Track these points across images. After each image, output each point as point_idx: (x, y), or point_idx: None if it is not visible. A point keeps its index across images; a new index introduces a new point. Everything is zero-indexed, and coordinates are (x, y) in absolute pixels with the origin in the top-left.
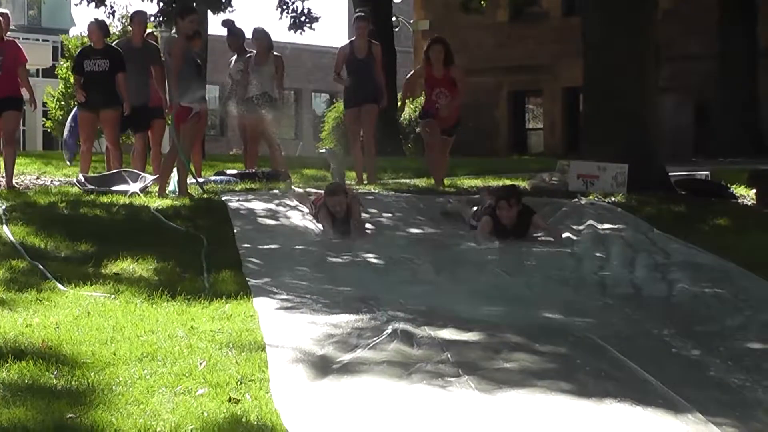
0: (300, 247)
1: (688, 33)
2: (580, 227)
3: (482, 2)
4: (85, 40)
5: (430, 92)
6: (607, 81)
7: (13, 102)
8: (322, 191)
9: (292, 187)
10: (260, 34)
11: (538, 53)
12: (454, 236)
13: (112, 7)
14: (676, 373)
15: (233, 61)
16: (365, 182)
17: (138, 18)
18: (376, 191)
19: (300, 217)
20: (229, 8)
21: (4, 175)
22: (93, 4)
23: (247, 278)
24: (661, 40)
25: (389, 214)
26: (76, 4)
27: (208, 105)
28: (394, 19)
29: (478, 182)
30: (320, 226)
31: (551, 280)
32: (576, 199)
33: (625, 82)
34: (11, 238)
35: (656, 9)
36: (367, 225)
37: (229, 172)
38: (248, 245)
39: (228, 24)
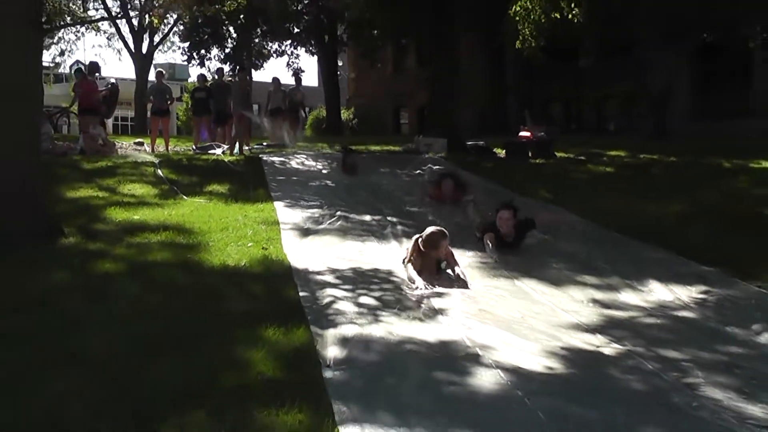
0: (296, 178)
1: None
2: (423, 168)
3: (379, 65)
4: (195, 83)
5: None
6: (436, 102)
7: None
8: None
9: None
10: (275, 79)
11: (406, 87)
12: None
13: (209, 68)
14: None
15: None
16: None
17: (221, 72)
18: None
19: (296, 164)
20: (262, 68)
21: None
22: (199, 66)
23: (270, 192)
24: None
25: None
26: (191, 66)
27: (254, 112)
28: (339, 73)
29: (378, 147)
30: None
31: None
32: (422, 155)
33: (444, 101)
34: (161, 174)
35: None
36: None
37: (264, 144)
38: (271, 177)
39: (274, 79)
